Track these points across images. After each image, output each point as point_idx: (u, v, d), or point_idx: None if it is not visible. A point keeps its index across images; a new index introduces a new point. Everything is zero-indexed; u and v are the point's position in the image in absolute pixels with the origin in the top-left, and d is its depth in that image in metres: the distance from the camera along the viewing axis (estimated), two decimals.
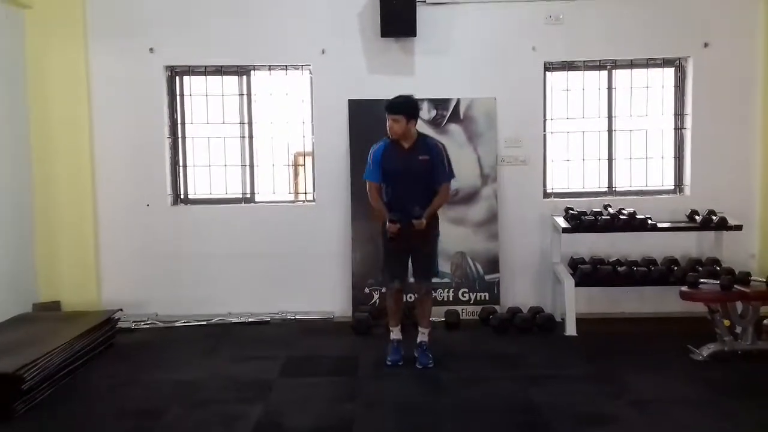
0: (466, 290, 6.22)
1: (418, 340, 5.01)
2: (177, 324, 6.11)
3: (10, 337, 4.90)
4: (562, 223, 5.94)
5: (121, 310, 5.87)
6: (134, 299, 6.18)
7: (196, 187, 6.50)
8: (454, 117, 6.22)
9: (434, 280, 5.28)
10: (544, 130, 6.36)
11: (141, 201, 6.27)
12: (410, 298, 5.81)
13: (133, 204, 6.27)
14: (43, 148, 6.09)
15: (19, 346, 4.64)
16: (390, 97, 4.86)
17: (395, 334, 5.07)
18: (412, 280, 5.10)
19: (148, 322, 6.12)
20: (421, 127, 6.08)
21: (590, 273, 5.85)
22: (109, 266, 6.28)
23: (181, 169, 6.45)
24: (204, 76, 6.40)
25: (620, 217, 5.86)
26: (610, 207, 6.05)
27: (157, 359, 5.26)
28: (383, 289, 5.72)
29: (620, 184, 6.47)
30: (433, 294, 5.52)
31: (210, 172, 6.45)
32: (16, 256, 5.84)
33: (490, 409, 4.20)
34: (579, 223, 5.85)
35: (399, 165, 4.79)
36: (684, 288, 5.14)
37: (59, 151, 6.12)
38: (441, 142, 5.04)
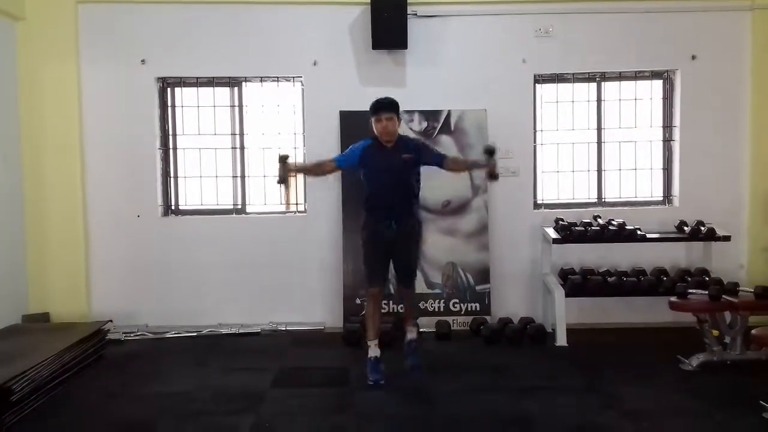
0: (457, 301, 6.23)
1: (408, 338, 5.07)
2: (167, 335, 6.08)
3: None
4: (553, 233, 5.97)
5: (111, 321, 5.85)
6: (124, 310, 6.15)
7: (187, 198, 6.49)
8: (445, 128, 6.25)
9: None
10: (534, 142, 6.41)
11: (132, 212, 6.25)
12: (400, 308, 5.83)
13: (123, 215, 6.25)
14: (34, 158, 6.07)
15: (8, 357, 4.60)
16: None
17: (373, 350, 4.89)
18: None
19: (138, 333, 6.09)
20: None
21: (580, 284, 5.87)
22: (99, 277, 6.24)
23: (172, 180, 6.44)
24: (195, 88, 6.41)
25: (610, 227, 5.89)
26: (600, 218, 6.10)
27: (147, 371, 5.23)
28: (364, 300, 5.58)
29: (610, 195, 6.51)
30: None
31: (201, 183, 6.45)
32: (5, 267, 5.81)
33: (482, 420, 4.20)
34: (569, 233, 5.88)
35: (382, 164, 4.78)
36: (673, 298, 5.17)
37: (50, 162, 6.10)
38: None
